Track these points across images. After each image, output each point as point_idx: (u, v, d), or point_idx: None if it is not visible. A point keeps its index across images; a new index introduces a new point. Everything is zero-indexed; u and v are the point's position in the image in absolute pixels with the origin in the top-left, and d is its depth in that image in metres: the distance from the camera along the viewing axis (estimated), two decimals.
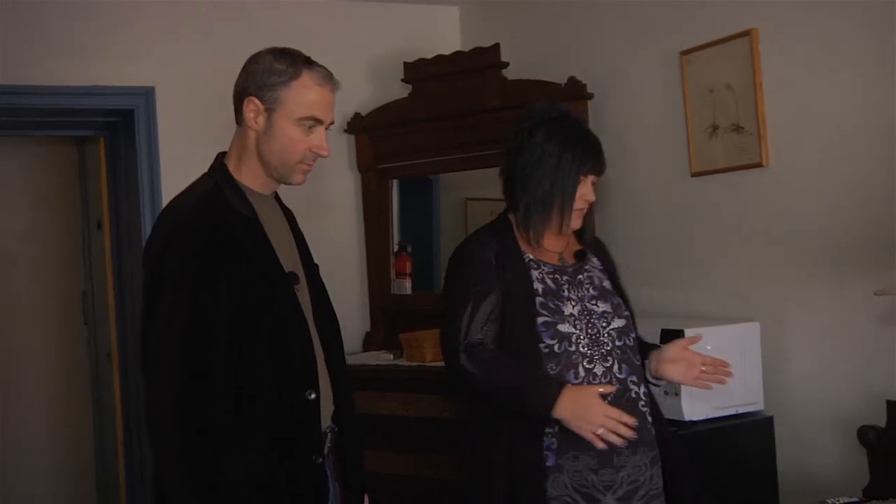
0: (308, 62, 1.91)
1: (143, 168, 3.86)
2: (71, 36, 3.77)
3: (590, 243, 2.40)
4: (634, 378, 2.24)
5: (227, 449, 1.77)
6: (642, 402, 2.24)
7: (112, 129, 4.23)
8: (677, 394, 2.85)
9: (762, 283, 3.07)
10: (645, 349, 2.35)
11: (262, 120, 1.89)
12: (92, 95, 3.82)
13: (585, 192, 2.28)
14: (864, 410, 2.72)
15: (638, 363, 2.28)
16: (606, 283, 2.35)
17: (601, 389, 2.15)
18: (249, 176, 1.93)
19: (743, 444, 2.97)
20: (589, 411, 2.11)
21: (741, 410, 2.97)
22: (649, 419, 2.26)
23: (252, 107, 1.89)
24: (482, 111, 3.85)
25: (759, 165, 3.06)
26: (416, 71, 4.04)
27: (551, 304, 2.23)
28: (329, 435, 1.95)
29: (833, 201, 2.87)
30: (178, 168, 3.87)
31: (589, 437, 2.10)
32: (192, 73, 3.90)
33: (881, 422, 2.63)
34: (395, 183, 4.27)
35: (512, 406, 2.18)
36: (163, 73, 3.89)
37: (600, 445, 2.10)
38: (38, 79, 3.70)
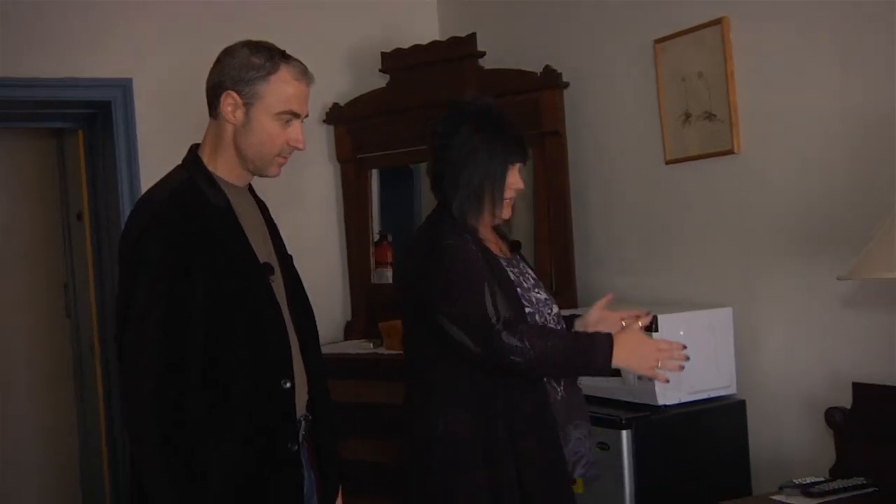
0: (284, 56, 1.93)
1: (122, 160, 3.87)
2: (47, 28, 3.75)
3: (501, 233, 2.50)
4: None
5: (205, 438, 1.80)
6: (579, 379, 2.39)
7: (90, 121, 4.24)
8: (651, 379, 2.89)
9: (735, 269, 3.12)
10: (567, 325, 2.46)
11: (240, 114, 1.91)
12: (69, 87, 3.81)
13: (514, 181, 2.35)
14: (831, 393, 2.77)
15: None
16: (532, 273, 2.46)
17: (639, 325, 2.27)
18: (224, 168, 1.95)
19: (716, 428, 3.02)
20: (643, 350, 2.19)
21: (714, 394, 3.01)
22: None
23: (230, 101, 1.90)
24: None
25: (730, 153, 3.10)
26: (393, 61, 4.06)
27: (528, 296, 2.33)
28: (303, 423, 1.98)
29: (802, 188, 2.91)
30: (156, 159, 3.82)
31: (651, 374, 2.21)
32: (170, 65, 3.89)
33: (847, 403, 2.68)
34: (375, 173, 4.29)
35: (567, 369, 2.24)
36: (140, 65, 3.89)
37: (662, 379, 2.22)
38: (15, 71, 3.69)
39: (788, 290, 2.96)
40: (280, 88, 1.90)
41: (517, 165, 2.37)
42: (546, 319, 2.34)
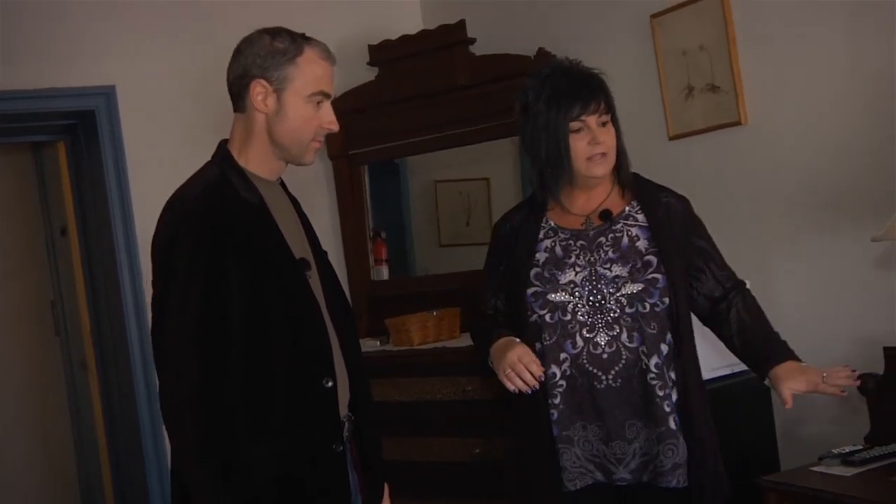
0: (305, 37, 1.88)
1: (110, 169, 3.77)
2: (24, 37, 3.65)
3: (643, 195, 2.25)
4: (645, 349, 2.13)
5: (247, 439, 1.74)
6: (652, 375, 2.12)
7: (71, 132, 4.12)
8: None
9: (749, 241, 3.08)
10: (762, 355, 2.21)
11: (271, 101, 1.85)
12: (49, 98, 3.71)
13: (589, 137, 2.16)
14: (861, 359, 2.74)
15: (653, 331, 2.14)
16: (641, 243, 2.18)
17: (535, 368, 2.10)
18: (255, 161, 1.89)
19: (741, 403, 2.98)
20: (506, 353, 2.12)
21: (738, 369, 2.98)
22: (661, 393, 2.12)
23: (260, 89, 1.84)
24: (452, 89, 3.82)
25: (737, 124, 3.07)
26: (381, 53, 3.99)
27: (546, 274, 2.20)
28: (346, 423, 1.92)
29: (813, 155, 2.89)
30: (145, 167, 3.78)
31: (501, 377, 2.13)
32: (154, 70, 3.81)
33: (879, 369, 2.65)
34: (366, 169, 4.23)
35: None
36: (123, 72, 3.79)
37: (510, 387, 2.11)
38: None
39: (807, 257, 2.93)
40: (309, 69, 1.85)
41: (589, 119, 2.16)
42: (587, 301, 2.14)
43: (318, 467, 1.83)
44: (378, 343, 3.78)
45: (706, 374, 2.87)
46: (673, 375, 2.15)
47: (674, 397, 2.14)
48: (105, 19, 3.77)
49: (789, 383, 2.11)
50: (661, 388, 2.13)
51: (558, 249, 2.23)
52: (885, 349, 2.63)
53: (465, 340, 3.55)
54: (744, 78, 3.02)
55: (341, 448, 1.86)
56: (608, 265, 2.18)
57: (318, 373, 1.83)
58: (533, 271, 2.22)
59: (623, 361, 2.14)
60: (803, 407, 2.95)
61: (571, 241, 2.24)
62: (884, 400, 2.62)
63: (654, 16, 3.28)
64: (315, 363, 1.84)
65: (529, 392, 2.11)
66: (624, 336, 2.14)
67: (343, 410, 1.91)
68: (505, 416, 2.90)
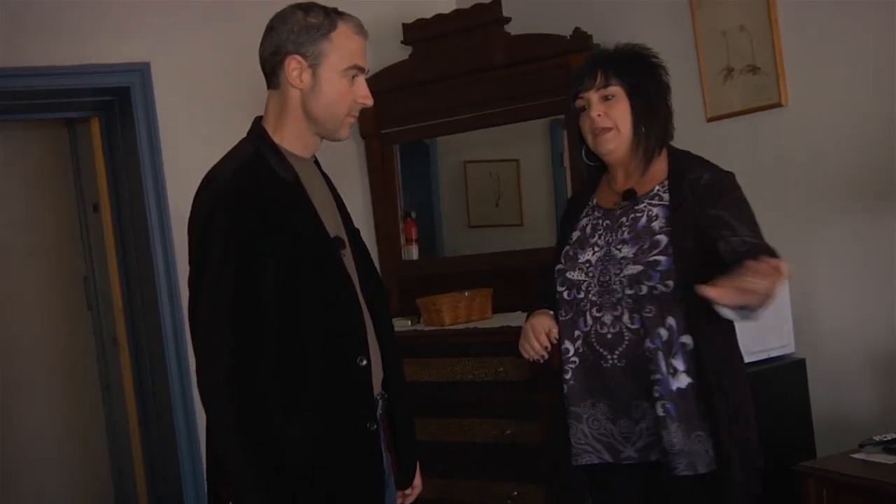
0: (338, 12, 1.88)
1: (144, 146, 3.77)
2: (60, 14, 3.66)
3: (676, 173, 2.18)
4: (643, 332, 2.08)
5: (282, 417, 1.75)
6: (650, 359, 2.07)
7: (107, 108, 4.13)
8: None
9: (787, 226, 3.02)
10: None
11: (307, 76, 1.85)
12: (85, 74, 3.72)
13: (596, 112, 2.16)
14: None
15: (649, 314, 2.08)
16: (657, 223, 2.13)
17: (543, 338, 2.19)
18: (291, 138, 1.88)
19: (776, 389, 2.95)
20: (526, 329, 2.22)
21: (773, 354, 2.95)
22: (655, 377, 2.06)
23: (294, 64, 1.84)
24: (487, 69, 3.79)
25: (778, 105, 3.02)
26: (415, 32, 3.96)
27: (571, 252, 2.22)
28: (380, 401, 1.92)
29: (855, 139, 2.84)
30: (179, 144, 3.79)
31: (520, 349, 2.24)
32: (188, 47, 3.81)
33: None
34: (397, 148, 4.21)
35: None
36: (157, 49, 3.79)
37: (524, 355, 2.23)
38: (29, 60, 3.59)
39: (845, 242, 2.88)
40: (343, 44, 1.85)
41: (593, 95, 2.16)
42: (598, 280, 2.14)
43: (351, 446, 1.84)
44: (409, 323, 3.78)
45: None
46: (676, 363, 2.07)
47: (673, 385, 2.06)
48: None
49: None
50: (654, 373, 2.06)
51: (588, 228, 2.24)
52: None
53: (496, 321, 3.54)
54: (786, 59, 2.97)
55: (375, 426, 1.86)
56: (620, 246, 2.16)
57: (352, 351, 1.83)
58: (565, 249, 2.25)
59: (626, 342, 2.11)
60: (840, 394, 2.92)
61: (600, 220, 2.24)
62: None
63: None
64: (349, 342, 1.83)
65: (541, 361, 2.21)
66: (626, 317, 2.12)
67: (377, 389, 1.91)
68: (537, 398, 2.89)
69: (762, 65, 3.04)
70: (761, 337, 2.86)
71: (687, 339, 2.06)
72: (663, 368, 2.06)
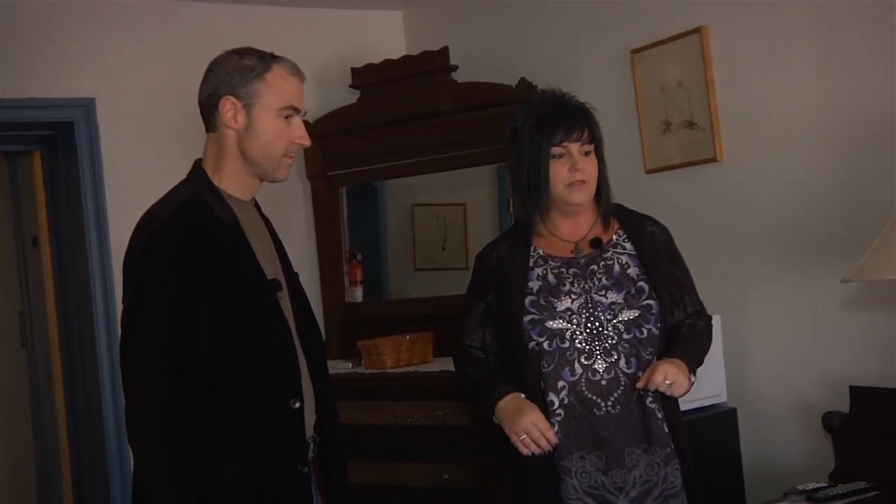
0: (273, 56, 1.91)
1: (86, 181, 3.75)
2: (4, 47, 3.63)
3: (627, 224, 2.29)
4: (643, 374, 2.13)
5: (212, 459, 1.74)
6: (650, 399, 2.15)
7: (49, 142, 4.10)
8: None
9: (722, 277, 3.11)
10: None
11: (241, 117, 1.87)
12: (28, 108, 3.70)
13: (570, 164, 2.18)
14: (826, 397, 2.78)
15: (649, 357, 2.17)
16: (632, 271, 2.22)
17: (551, 435, 2.13)
18: (229, 180, 1.90)
19: (708, 437, 2.99)
20: (519, 415, 2.13)
21: (705, 403, 3.00)
22: (660, 415, 2.17)
23: (229, 105, 1.86)
24: (435, 115, 3.83)
25: (713, 160, 3.11)
26: (364, 76, 4.01)
27: (542, 301, 2.20)
28: (311, 444, 1.91)
29: (787, 193, 2.93)
30: (122, 180, 3.76)
31: (514, 440, 2.14)
32: (134, 83, 3.80)
33: (844, 408, 2.68)
34: (343, 190, 4.23)
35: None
36: (103, 84, 3.78)
37: (523, 451, 2.14)
38: None
39: (777, 295, 2.96)
40: (277, 85, 1.87)
41: (571, 147, 2.18)
42: (585, 328, 2.15)
43: (283, 488, 1.82)
44: (350, 365, 3.77)
45: None
46: (663, 400, 2.19)
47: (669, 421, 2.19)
48: (86, 32, 3.77)
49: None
50: (659, 411, 2.17)
51: (551, 277, 2.23)
52: (851, 388, 2.65)
53: (437, 365, 3.54)
54: (721, 116, 3.06)
55: (306, 469, 1.86)
56: (603, 292, 2.20)
57: (285, 394, 1.83)
58: (528, 299, 2.21)
59: (622, 388, 2.15)
60: (770, 443, 2.98)
61: (563, 269, 2.24)
62: (848, 438, 2.64)
63: (634, 51, 3.32)
64: (283, 384, 1.83)
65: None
66: (622, 362, 2.16)
67: (309, 431, 1.90)
68: (478, 443, 2.88)
69: (699, 121, 3.13)
70: (694, 386, 2.91)
71: None
72: (665, 407, 2.18)
